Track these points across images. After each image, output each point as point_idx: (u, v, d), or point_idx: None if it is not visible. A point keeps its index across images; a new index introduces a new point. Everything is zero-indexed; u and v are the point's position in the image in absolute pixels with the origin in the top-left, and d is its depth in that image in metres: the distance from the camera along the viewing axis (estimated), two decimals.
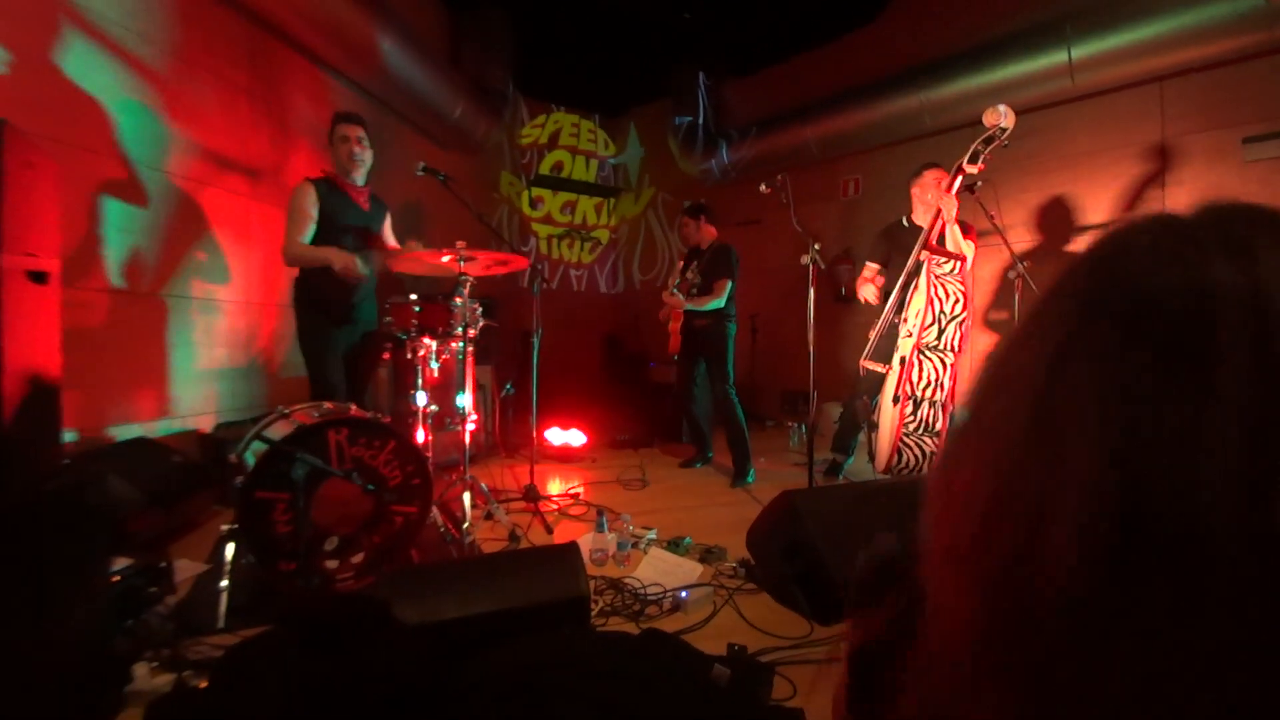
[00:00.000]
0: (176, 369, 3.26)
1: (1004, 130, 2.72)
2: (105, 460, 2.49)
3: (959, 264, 2.89)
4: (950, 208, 2.91)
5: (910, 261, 3.01)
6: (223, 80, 3.48)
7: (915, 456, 2.92)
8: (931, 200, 3.16)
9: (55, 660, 1.23)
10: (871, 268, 3.51)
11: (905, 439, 2.91)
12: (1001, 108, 2.71)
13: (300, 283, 2.95)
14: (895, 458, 2.94)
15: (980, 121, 2.76)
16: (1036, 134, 4.29)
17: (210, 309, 3.45)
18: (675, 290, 3.93)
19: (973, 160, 2.80)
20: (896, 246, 3.36)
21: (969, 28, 4.51)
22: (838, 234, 5.61)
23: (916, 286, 2.97)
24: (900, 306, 3.06)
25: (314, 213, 2.82)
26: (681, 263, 4.13)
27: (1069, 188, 4.23)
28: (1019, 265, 2.96)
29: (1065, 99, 4.13)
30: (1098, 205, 4.12)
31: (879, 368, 3.12)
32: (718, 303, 3.73)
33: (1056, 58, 3.89)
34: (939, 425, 2.89)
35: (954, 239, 2.97)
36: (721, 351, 3.77)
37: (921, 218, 3.31)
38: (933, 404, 2.89)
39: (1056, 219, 4.31)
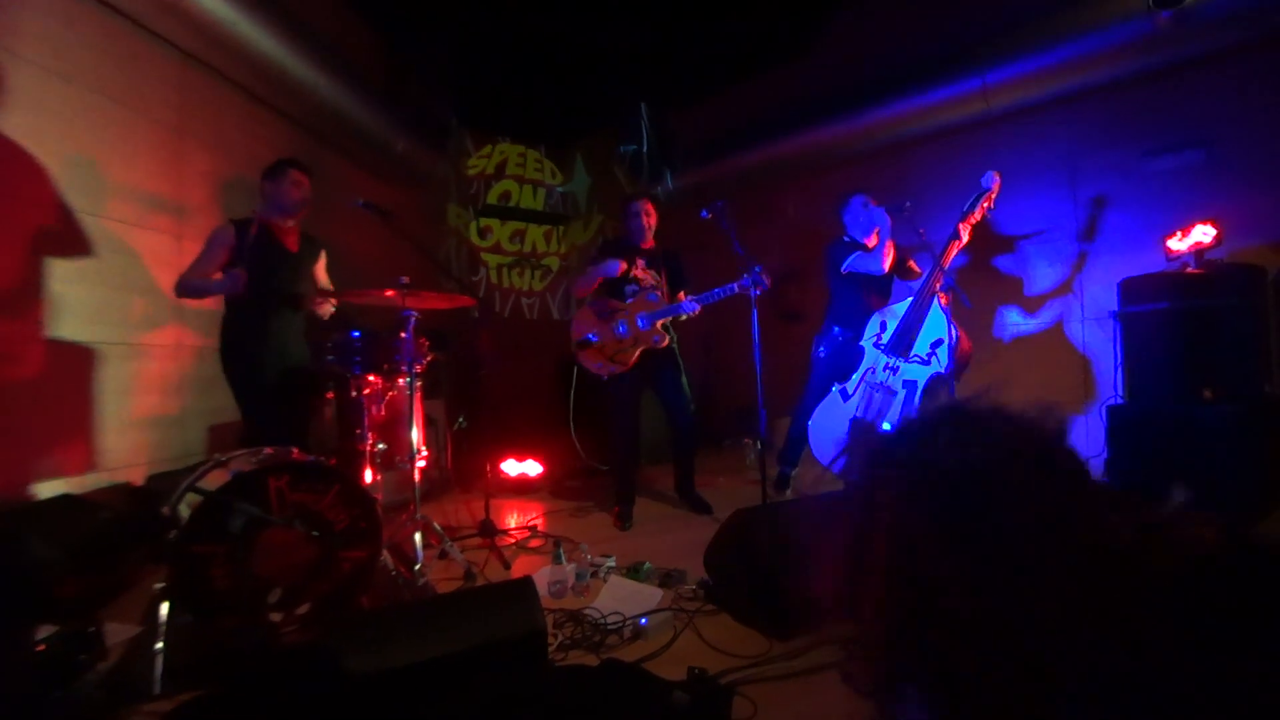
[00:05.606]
0: (105, 418, 3.10)
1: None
2: (26, 520, 2.34)
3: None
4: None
5: (922, 297, 3.18)
6: (152, 119, 3.38)
7: None
8: (863, 224, 3.52)
9: None
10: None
11: None
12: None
13: (221, 324, 2.91)
14: None
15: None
16: (961, 154, 4.53)
17: (140, 354, 3.31)
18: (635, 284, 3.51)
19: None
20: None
21: (892, 58, 4.77)
22: (781, 255, 5.77)
23: (924, 318, 3.17)
24: (902, 339, 3.21)
25: (218, 251, 2.81)
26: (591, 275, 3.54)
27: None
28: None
29: (984, 121, 4.38)
30: (1018, 219, 4.37)
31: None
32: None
33: (972, 83, 4.16)
34: None
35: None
36: (683, 368, 3.61)
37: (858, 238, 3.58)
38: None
39: (981, 235, 4.53)
